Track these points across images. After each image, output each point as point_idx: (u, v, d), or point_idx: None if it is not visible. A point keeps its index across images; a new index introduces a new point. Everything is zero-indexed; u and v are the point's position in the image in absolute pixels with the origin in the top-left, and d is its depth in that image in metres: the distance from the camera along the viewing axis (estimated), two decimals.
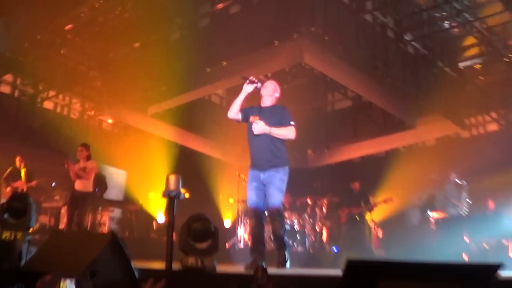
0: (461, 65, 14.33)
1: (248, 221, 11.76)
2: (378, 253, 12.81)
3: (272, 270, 4.35)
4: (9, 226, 5.31)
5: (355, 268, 2.84)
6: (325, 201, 13.63)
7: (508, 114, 15.31)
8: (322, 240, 13.25)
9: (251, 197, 6.60)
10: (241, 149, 14.71)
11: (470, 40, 13.69)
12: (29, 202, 5.51)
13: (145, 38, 13.38)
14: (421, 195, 14.05)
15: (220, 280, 4.63)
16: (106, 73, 14.57)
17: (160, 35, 13.39)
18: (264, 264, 6.08)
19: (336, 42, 11.29)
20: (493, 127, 15.82)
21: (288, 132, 6.55)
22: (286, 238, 6.69)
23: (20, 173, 12.22)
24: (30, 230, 5.43)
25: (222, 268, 5.36)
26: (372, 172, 14.82)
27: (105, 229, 13.28)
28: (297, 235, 12.50)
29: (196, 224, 4.76)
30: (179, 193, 4.78)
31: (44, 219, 12.97)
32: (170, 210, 4.79)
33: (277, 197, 6.47)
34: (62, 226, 12.08)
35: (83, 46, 14.66)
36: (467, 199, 11.71)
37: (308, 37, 10.98)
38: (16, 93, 15.14)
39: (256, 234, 6.59)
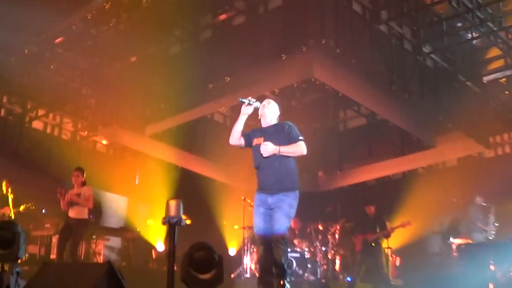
0: (485, 79, 14.28)
1: (255, 249, 11.73)
2: (396, 283, 12.74)
3: None
4: None
5: None
6: (337, 227, 13.58)
7: None
8: (335, 269, 13.20)
9: (258, 223, 6.56)
10: (246, 172, 14.71)
11: (494, 52, 13.70)
12: (17, 231, 5.49)
13: (142, 51, 13.45)
14: (442, 220, 13.99)
15: None
16: (100, 90, 14.61)
17: (158, 48, 13.47)
18: None
19: (348, 55, 11.33)
20: None
21: (298, 149, 6.52)
22: (286, 265, 6.61)
23: (7, 199, 12.19)
24: (19, 261, 5.41)
25: None
26: (388, 196, 14.80)
27: (100, 259, 13.25)
28: (308, 264, 12.46)
29: (198, 253, 4.74)
30: (180, 219, 4.76)
31: (34, 249, 12.93)
32: (170, 238, 4.77)
33: (283, 223, 6.41)
34: (53, 256, 12.06)
35: (75, 61, 14.71)
36: (495, 223, 11.66)
37: (318, 50, 11.02)
38: (3, 112, 15.15)
39: (264, 263, 6.55)
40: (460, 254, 11.96)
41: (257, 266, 7.60)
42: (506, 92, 15.02)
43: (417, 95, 12.60)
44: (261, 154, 6.46)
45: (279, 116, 6.93)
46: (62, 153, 14.17)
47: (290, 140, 6.54)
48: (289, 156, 6.54)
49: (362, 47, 11.61)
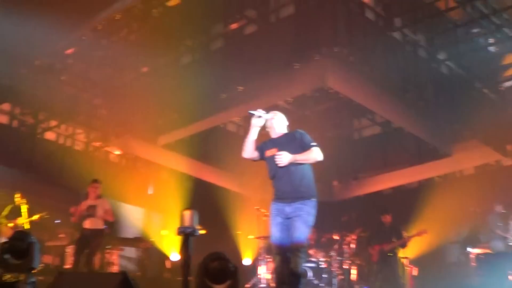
0: (502, 86, 14.19)
1: (270, 259, 11.74)
2: None
3: None
4: (11, 267, 5.34)
5: None
6: (353, 236, 13.52)
7: None
8: (351, 280, 13.14)
9: (275, 233, 6.54)
10: (259, 181, 14.72)
11: (511, 58, 13.62)
12: (32, 241, 5.55)
13: (154, 62, 13.51)
14: (460, 229, 13.95)
15: None
16: (111, 100, 14.70)
17: (169, 58, 13.52)
18: None
19: (362, 63, 11.34)
20: None
21: (313, 155, 6.50)
22: (301, 275, 6.61)
23: (19, 210, 12.28)
24: (34, 271, 5.46)
25: None
26: (404, 205, 14.75)
27: (115, 269, 13.32)
28: (323, 274, 12.44)
29: (213, 263, 4.78)
30: (194, 229, 4.83)
31: (48, 259, 13.03)
32: (185, 248, 4.82)
33: (303, 231, 6.39)
34: (67, 266, 12.16)
35: (86, 72, 14.74)
36: None
37: (331, 58, 11.04)
38: (15, 123, 15.33)
39: (280, 273, 6.54)
40: (479, 264, 11.91)
41: (274, 276, 7.61)
42: None
43: (433, 102, 12.57)
44: (276, 164, 6.47)
45: (288, 125, 6.98)
46: (75, 164, 14.26)
47: (303, 147, 6.54)
48: (304, 163, 6.58)
49: (375, 54, 11.61)
